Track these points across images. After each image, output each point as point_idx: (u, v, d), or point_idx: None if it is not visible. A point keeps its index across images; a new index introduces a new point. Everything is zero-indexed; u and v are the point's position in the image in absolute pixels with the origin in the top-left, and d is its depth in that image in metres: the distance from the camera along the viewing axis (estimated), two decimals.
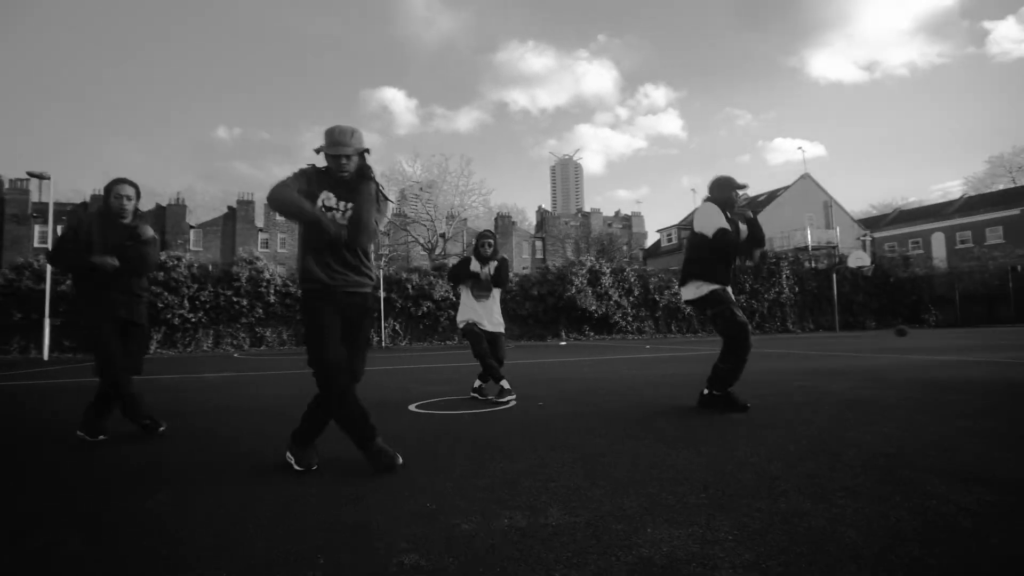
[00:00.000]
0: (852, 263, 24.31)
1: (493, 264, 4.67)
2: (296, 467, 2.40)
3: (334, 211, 2.43)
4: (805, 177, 33.17)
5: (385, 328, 21.07)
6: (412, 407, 4.26)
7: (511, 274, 4.73)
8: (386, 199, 2.62)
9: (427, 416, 3.87)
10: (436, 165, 38.78)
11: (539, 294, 22.80)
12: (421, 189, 38.95)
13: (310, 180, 2.41)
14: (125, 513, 1.89)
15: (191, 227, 44.57)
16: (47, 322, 17.59)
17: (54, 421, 4.11)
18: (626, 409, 3.90)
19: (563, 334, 22.77)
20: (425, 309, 21.64)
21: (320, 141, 2.44)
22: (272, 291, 20.39)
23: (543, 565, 1.39)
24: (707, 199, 3.82)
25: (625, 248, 52.64)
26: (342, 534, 1.63)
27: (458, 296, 4.96)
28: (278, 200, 2.30)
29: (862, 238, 31.90)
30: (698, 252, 3.79)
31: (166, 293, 18.67)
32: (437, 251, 37.84)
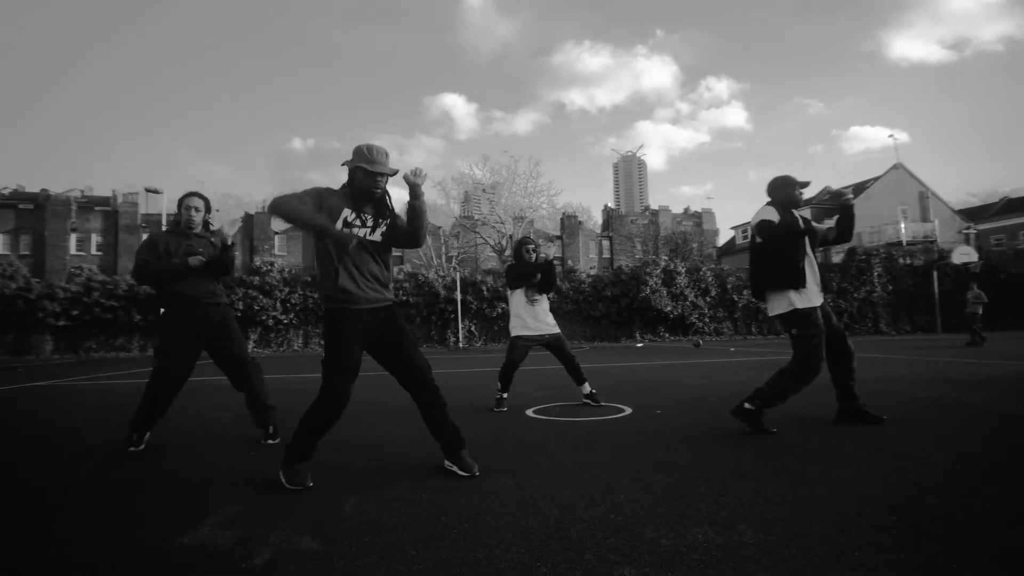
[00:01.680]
0: (957, 259, 22.31)
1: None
2: (288, 485, 2.37)
3: (355, 228, 2.44)
4: (898, 167, 30.73)
5: (461, 329, 21.55)
6: (529, 412, 4.36)
7: (558, 274, 4.77)
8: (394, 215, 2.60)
9: (544, 422, 3.94)
10: (505, 167, 39.19)
11: (612, 295, 22.55)
12: (484, 191, 39.48)
13: (322, 198, 2.39)
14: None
15: (275, 233, 47.45)
16: None
17: (207, 416, 4.53)
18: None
19: (638, 335, 22.39)
20: (500, 310, 21.93)
21: (379, 148, 2.46)
22: None
23: None
24: (767, 203, 3.56)
25: (696, 246, 51.02)
26: (551, 543, 1.72)
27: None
28: (285, 208, 2.27)
29: (965, 231, 29.19)
30: (759, 259, 3.54)
31: (261, 296, 20.01)
32: (507, 252, 38.21)
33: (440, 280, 22.38)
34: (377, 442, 3.36)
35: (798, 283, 3.32)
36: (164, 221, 19.18)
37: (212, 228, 3.54)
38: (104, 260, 41.79)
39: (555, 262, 4.68)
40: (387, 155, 2.49)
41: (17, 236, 41.90)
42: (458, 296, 21.38)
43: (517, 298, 4.65)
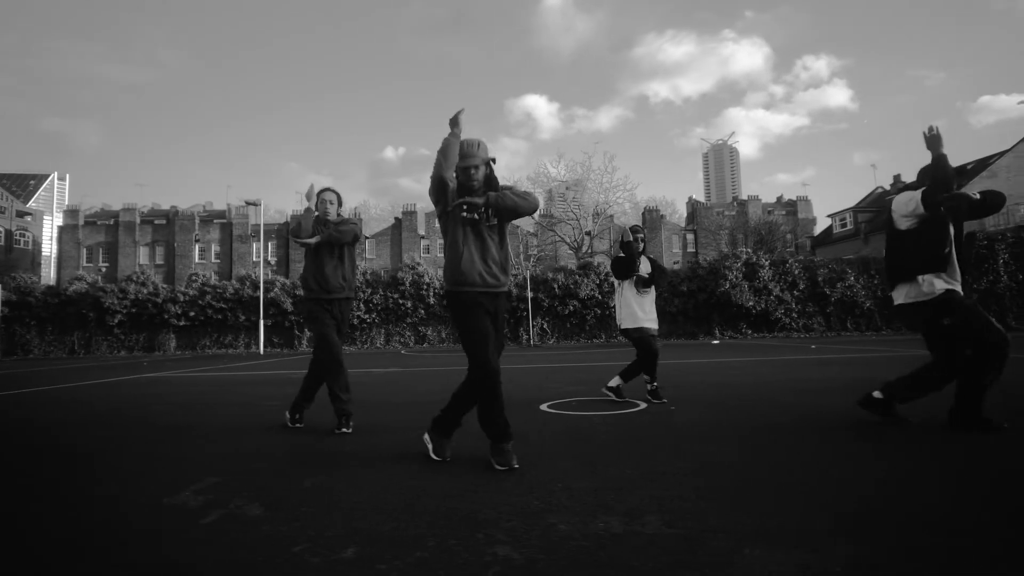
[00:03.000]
0: None
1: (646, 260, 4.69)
2: (433, 456, 2.67)
3: (473, 213, 2.58)
4: None
5: (533, 327, 21.76)
6: (544, 407, 4.43)
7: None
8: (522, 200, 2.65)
9: (557, 416, 4.00)
10: (580, 164, 38.92)
11: (688, 290, 21.71)
12: (568, 188, 39.39)
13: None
14: (288, 489, 2.32)
15: (366, 237, 50.44)
16: (262, 323, 21.30)
17: (259, 404, 5.05)
18: (752, 418, 3.63)
19: (716, 332, 21.38)
20: (571, 308, 21.89)
21: (472, 141, 2.58)
22: (432, 293, 22.25)
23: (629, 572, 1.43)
24: (914, 187, 3.22)
25: (790, 237, 47.59)
26: (453, 521, 1.83)
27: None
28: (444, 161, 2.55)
29: None
30: (899, 243, 3.18)
31: None
32: (584, 249, 37.91)
33: (512, 278, 22.75)
34: (374, 429, 3.62)
35: (941, 266, 3.00)
36: (261, 231, 21.18)
37: (343, 217, 4.00)
38: (221, 267, 46.68)
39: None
40: (479, 145, 2.59)
41: (153, 248, 47.92)
42: (528, 294, 21.59)
43: (627, 290, 4.59)
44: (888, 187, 38.79)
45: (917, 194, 3.07)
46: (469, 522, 1.83)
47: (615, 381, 4.64)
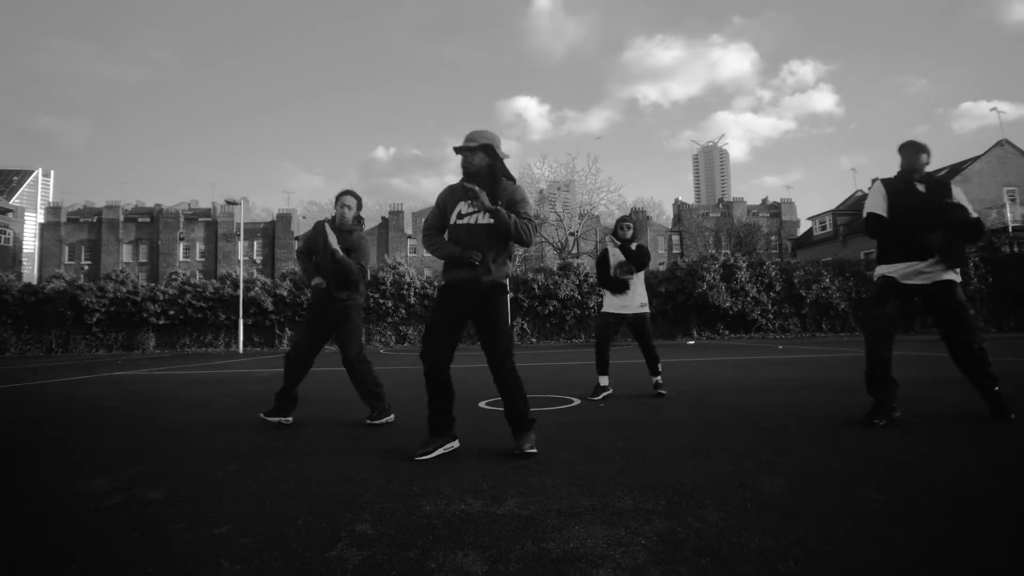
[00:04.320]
0: None
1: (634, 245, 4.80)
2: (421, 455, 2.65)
3: (467, 216, 2.66)
4: (1003, 144, 27.26)
5: (513, 327, 21.94)
6: (482, 404, 4.60)
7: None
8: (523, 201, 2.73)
9: (488, 412, 4.17)
10: (563, 166, 39.20)
11: (667, 291, 21.99)
12: (559, 189, 39.67)
13: (444, 202, 2.75)
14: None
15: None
16: (241, 322, 21.29)
17: (220, 401, 5.18)
18: (675, 413, 3.83)
19: (694, 332, 21.68)
20: (551, 308, 22.09)
21: (473, 133, 2.70)
22: (412, 293, 22.35)
23: (463, 545, 1.60)
24: (882, 180, 3.44)
25: (774, 239, 48.16)
26: (331, 504, 2.00)
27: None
28: (432, 252, 2.76)
29: None
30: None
31: None
32: (569, 249, 38.14)
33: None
34: (309, 425, 3.77)
35: (906, 257, 3.24)
36: (242, 229, 21.16)
37: (363, 222, 3.99)
38: (206, 265, 46.39)
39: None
40: (482, 133, 2.69)
41: (137, 246, 47.56)
42: (508, 295, 21.76)
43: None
44: (867, 190, 39.37)
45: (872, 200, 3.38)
46: (347, 505, 1.99)
47: (656, 380, 4.83)
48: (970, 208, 3.28)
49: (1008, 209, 24.51)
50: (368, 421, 3.69)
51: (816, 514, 1.77)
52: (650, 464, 2.47)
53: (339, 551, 1.58)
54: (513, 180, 2.79)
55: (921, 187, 3.30)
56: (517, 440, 2.71)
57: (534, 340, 22.15)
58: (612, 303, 4.77)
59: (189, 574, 1.46)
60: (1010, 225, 24.01)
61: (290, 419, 3.78)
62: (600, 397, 4.64)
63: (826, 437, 2.93)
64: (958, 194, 3.31)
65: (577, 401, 4.55)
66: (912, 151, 3.35)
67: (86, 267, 45.49)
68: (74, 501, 2.13)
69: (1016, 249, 21.98)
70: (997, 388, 3.22)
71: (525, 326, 22.34)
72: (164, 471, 2.57)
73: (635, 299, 4.75)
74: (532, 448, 2.65)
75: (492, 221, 2.63)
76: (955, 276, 3.22)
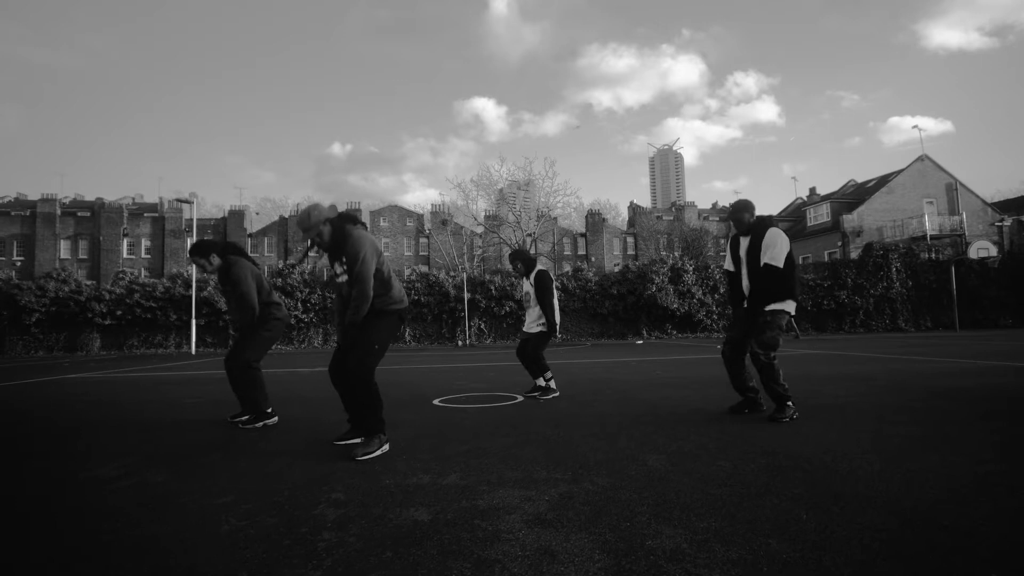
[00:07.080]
0: (974, 254, 21.69)
1: (531, 277, 5.41)
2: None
3: (341, 276, 3.25)
4: (923, 159, 29.75)
5: (471, 327, 22.44)
6: (436, 401, 5.13)
7: (555, 285, 5.41)
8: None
9: (442, 408, 4.71)
10: (520, 169, 40.04)
11: (619, 292, 22.96)
12: (520, 188, 40.44)
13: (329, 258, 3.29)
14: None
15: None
16: (194, 322, 20.96)
17: (182, 402, 5.49)
18: (603, 406, 4.47)
19: (644, 332, 22.75)
20: (508, 309, 22.70)
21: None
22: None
23: (396, 507, 2.14)
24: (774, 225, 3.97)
25: (723, 242, 50.28)
26: (310, 479, 2.50)
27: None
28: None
29: (998, 223, 28.04)
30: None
31: (283, 297, 21.41)
32: (526, 250, 38.91)
33: (450, 280, 23.29)
34: (282, 420, 4.22)
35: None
36: (194, 227, 20.84)
37: (230, 260, 4.08)
38: (152, 263, 44.76)
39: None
40: (309, 215, 3.10)
41: (76, 242, 45.36)
42: (466, 295, 22.26)
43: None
44: (805, 198, 41.98)
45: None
46: (323, 481, 2.50)
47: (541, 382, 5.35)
48: (772, 252, 3.78)
49: (927, 219, 26.76)
50: (230, 418, 4.12)
51: (676, 477, 2.41)
52: (569, 447, 3.07)
53: (320, 510, 2.10)
54: (364, 225, 3.31)
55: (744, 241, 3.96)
56: (356, 447, 3.01)
57: (490, 340, 22.72)
58: (525, 323, 5.44)
59: (201, 527, 1.95)
60: (928, 234, 26.22)
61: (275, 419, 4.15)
62: (538, 394, 5.21)
63: (711, 425, 3.61)
64: (769, 238, 3.81)
65: (520, 398, 5.14)
66: (734, 213, 3.98)
67: (18, 263, 43.09)
68: (85, 485, 2.55)
69: (934, 255, 24.08)
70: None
71: (483, 326, 22.87)
72: (160, 459, 2.99)
73: (530, 321, 5.41)
74: (365, 456, 2.91)
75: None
76: (777, 305, 3.81)
